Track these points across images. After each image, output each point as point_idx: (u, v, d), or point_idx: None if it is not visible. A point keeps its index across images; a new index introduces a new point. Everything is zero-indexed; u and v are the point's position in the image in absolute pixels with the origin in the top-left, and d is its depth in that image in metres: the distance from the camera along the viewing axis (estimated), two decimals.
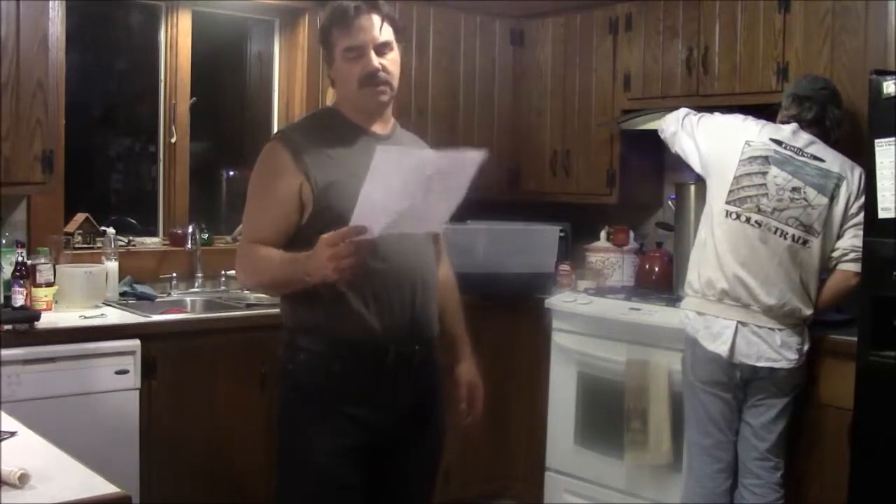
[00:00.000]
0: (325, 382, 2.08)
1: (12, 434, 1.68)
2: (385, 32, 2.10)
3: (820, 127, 2.99)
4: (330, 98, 3.78)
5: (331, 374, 2.07)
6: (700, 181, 3.32)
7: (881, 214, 2.66)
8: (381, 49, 2.10)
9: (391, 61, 2.12)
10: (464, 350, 2.37)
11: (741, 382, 2.89)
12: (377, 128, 2.18)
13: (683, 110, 3.26)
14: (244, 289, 3.79)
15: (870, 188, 2.70)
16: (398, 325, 2.08)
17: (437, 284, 2.22)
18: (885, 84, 2.65)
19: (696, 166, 3.13)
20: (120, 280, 3.50)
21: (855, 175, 2.89)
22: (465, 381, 2.33)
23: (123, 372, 2.94)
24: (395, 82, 2.15)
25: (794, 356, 2.87)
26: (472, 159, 1.88)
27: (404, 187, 1.83)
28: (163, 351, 3.04)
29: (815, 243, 2.88)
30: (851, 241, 2.87)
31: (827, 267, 2.93)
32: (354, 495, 2.10)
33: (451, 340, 2.35)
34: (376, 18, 2.09)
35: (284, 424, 2.17)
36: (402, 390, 2.12)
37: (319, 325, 2.07)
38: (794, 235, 2.87)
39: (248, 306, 3.50)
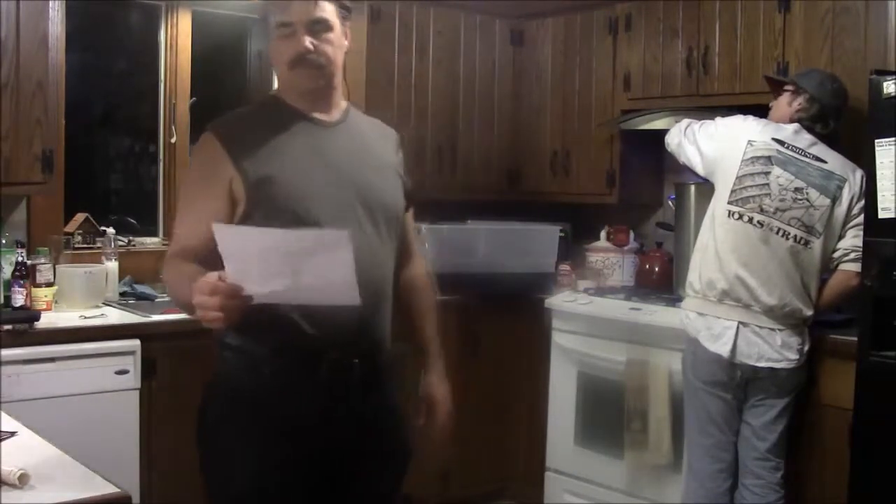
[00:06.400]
0: (253, 384, 1.88)
1: (12, 434, 1.68)
2: (321, 8, 1.88)
3: (822, 128, 2.99)
4: None
5: (259, 376, 1.87)
6: (700, 182, 3.32)
7: (881, 214, 2.66)
8: (315, 27, 1.87)
9: (326, 41, 1.89)
10: (432, 359, 2.12)
11: (742, 382, 2.89)
12: (321, 115, 1.96)
13: (686, 121, 3.24)
14: None
15: (870, 188, 2.70)
16: (336, 335, 1.85)
17: (390, 296, 1.98)
18: (885, 84, 2.65)
19: (701, 172, 3.12)
20: (120, 280, 3.49)
21: (857, 177, 2.89)
22: (426, 394, 2.09)
23: (123, 372, 2.94)
24: (334, 66, 1.93)
25: (794, 356, 2.87)
26: (334, 237, 1.62)
27: (264, 269, 1.61)
28: (163, 351, 3.03)
29: (817, 244, 2.87)
30: (853, 241, 2.87)
31: (828, 268, 2.93)
32: None
33: (420, 344, 2.14)
34: None
35: (207, 433, 1.96)
36: (339, 406, 1.89)
37: (249, 323, 1.72)
38: (795, 236, 2.87)
39: None
